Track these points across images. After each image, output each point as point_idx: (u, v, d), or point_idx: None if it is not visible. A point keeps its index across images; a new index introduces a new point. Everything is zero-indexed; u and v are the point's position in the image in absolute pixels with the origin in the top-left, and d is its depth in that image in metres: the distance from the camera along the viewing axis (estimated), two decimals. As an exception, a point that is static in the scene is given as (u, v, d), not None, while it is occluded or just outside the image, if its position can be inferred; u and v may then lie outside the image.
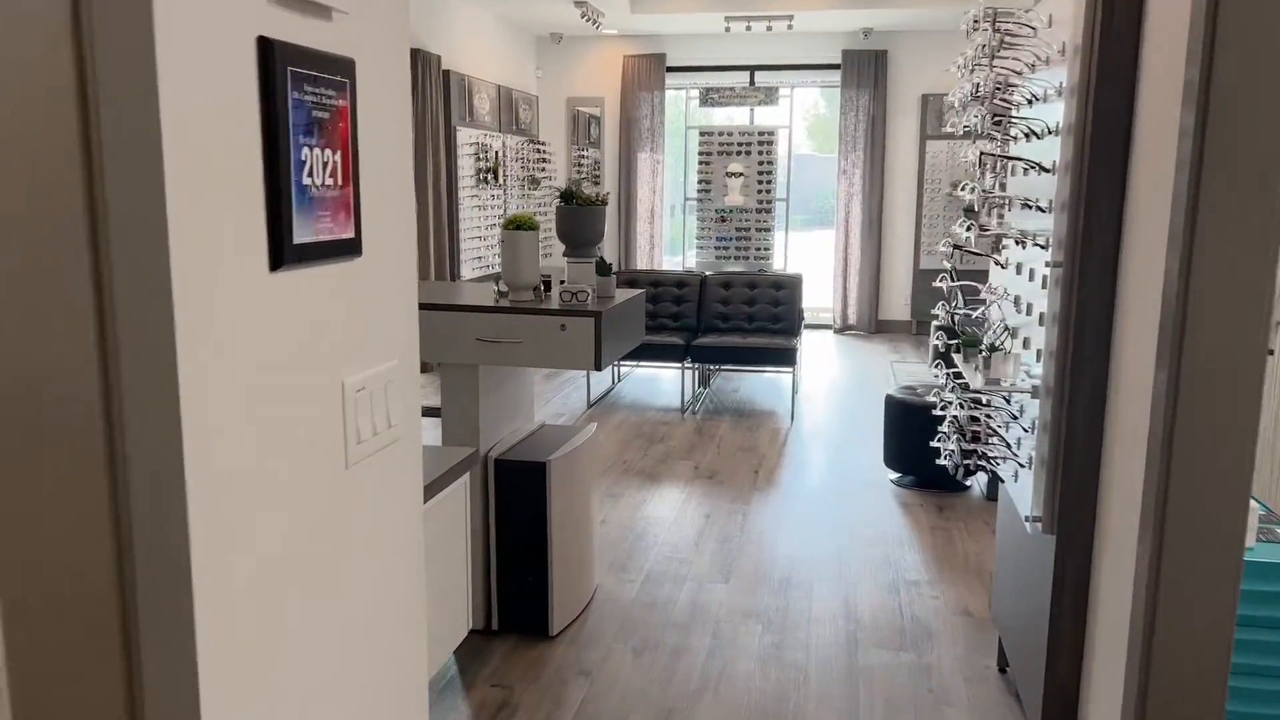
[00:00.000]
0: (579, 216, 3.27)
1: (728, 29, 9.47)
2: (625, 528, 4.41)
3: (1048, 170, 2.32)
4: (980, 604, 3.66)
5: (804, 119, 13.29)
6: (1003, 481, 2.63)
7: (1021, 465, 2.44)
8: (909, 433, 4.95)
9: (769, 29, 9.45)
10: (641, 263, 10.56)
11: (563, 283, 3.41)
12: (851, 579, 3.87)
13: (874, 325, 10.13)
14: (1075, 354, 2.23)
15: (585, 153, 10.75)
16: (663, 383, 7.53)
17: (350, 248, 1.34)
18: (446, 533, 1.87)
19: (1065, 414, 2.25)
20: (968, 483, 5.04)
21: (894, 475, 5.15)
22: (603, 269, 3.39)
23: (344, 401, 1.35)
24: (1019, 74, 2.60)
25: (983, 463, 2.57)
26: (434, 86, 7.80)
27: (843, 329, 10.21)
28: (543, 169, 10.08)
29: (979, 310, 2.80)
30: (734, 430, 6.18)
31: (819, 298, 10.23)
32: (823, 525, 4.46)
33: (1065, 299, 2.25)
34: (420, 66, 7.57)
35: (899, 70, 9.85)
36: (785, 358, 6.45)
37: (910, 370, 8.04)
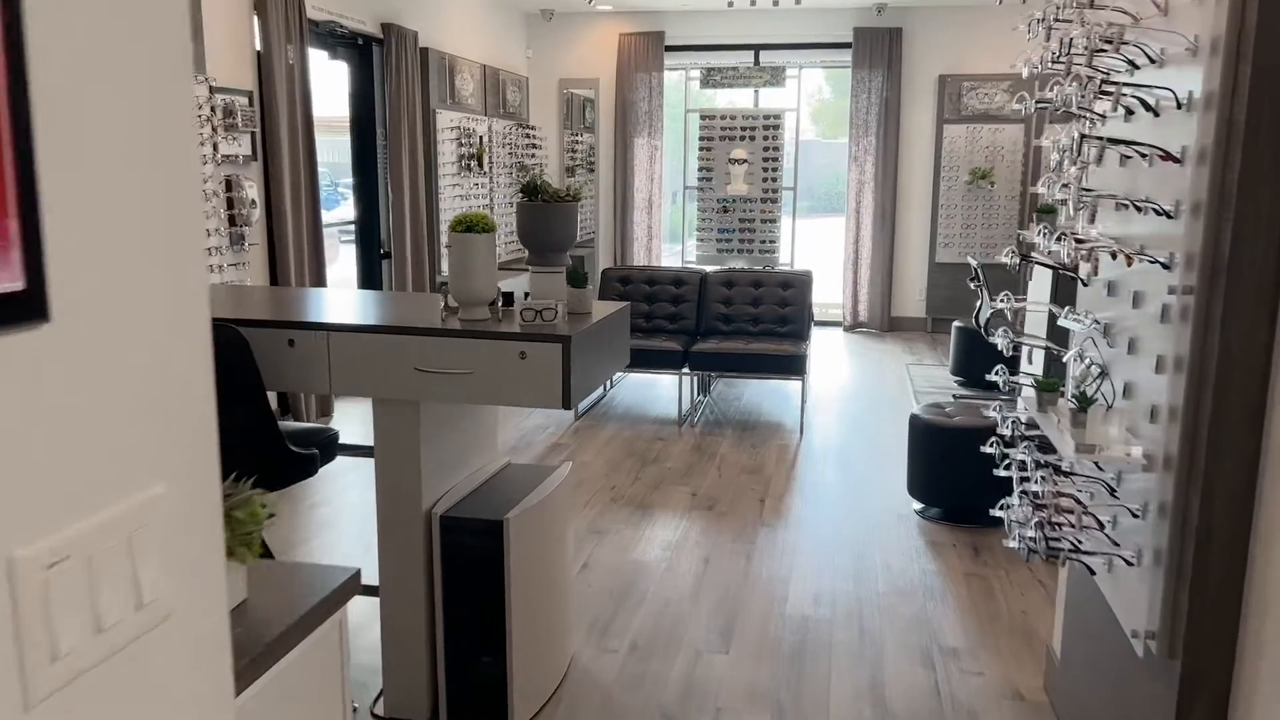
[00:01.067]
0: (545, 216, 2.64)
1: (730, 4, 8.80)
2: (611, 574, 3.78)
3: (1175, 159, 1.68)
4: (1033, 682, 3.03)
5: (807, 104, 12.62)
6: (1094, 573, 2.00)
7: (1128, 561, 1.81)
8: (936, 459, 4.32)
9: (775, 4, 8.77)
10: (639, 253, 9.91)
11: (526, 295, 2.78)
12: (876, 646, 3.25)
13: (887, 323, 9.49)
14: (1215, 416, 1.59)
15: (580, 138, 10.09)
16: (659, 388, 6.90)
17: (14, 310, 0.71)
18: (302, 710, 1.26)
19: (1199, 499, 1.62)
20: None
21: (918, 505, 4.53)
22: (577, 279, 2.76)
23: (13, 592, 0.73)
24: (1108, 25, 1.95)
25: (1073, 555, 1.94)
26: (411, 65, 7.15)
27: (853, 326, 9.57)
28: (533, 155, 9.43)
29: (1064, 346, 2.16)
30: (737, 446, 5.55)
31: (827, 292, 9.57)
32: (840, 572, 3.83)
33: (1199, 339, 1.62)
34: (394, 43, 6.91)
35: (915, 49, 9.17)
36: (793, 366, 5.81)
37: (928, 375, 7.41)
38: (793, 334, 6.24)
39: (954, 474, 4.28)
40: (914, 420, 4.44)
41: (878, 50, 9.13)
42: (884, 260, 9.39)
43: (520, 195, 2.66)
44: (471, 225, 2.58)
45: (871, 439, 5.73)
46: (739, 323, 6.38)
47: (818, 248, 11.78)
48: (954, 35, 9.07)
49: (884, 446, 5.54)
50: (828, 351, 8.46)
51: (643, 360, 5.97)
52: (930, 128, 9.22)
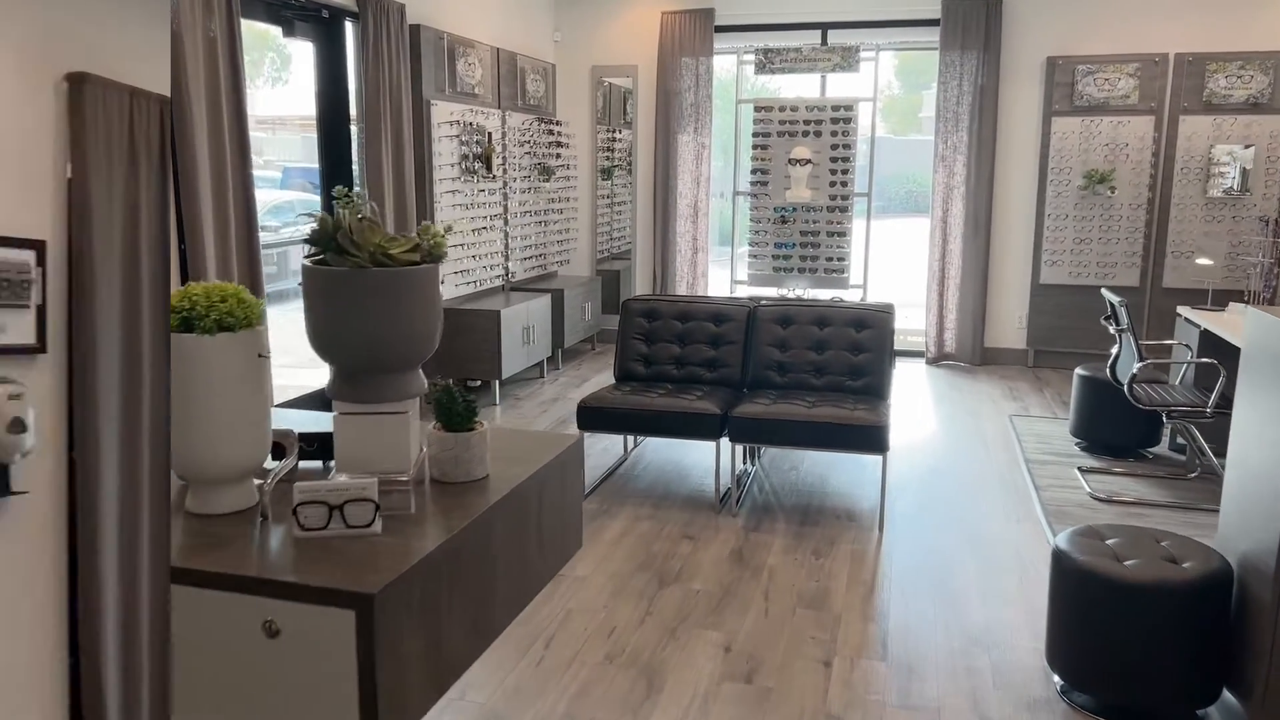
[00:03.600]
0: (357, 297, 1.22)
1: (793, -27, 7.31)
2: (579, 831, 2.37)
3: None
4: None
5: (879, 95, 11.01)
6: None
7: None
8: (1094, 622, 2.81)
9: (847, -28, 7.26)
10: (682, 269, 8.44)
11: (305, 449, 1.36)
12: None
13: (979, 355, 7.90)
14: None
15: (618, 135, 8.68)
16: (694, 450, 5.46)
17: None
18: None
19: None
20: (1200, 714, 2.88)
21: (1060, 681, 3.03)
22: (452, 414, 1.35)
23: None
24: None
25: None
26: (396, 45, 5.81)
27: (938, 359, 8.00)
28: (558, 155, 8.05)
29: None
30: (793, 552, 4.09)
31: (905, 316, 8.01)
32: (953, 836, 2.36)
33: None
34: (373, 17, 5.58)
35: (1017, 26, 7.57)
36: (870, 440, 4.31)
37: (1039, 433, 5.83)
38: (870, 391, 4.74)
39: (1125, 647, 2.77)
40: (1061, 560, 2.93)
41: (972, 28, 7.54)
42: (977, 280, 7.80)
43: (309, 251, 1.25)
44: (191, 318, 1.17)
45: (976, 545, 4.22)
46: (797, 373, 4.90)
47: (890, 257, 10.22)
48: (1067, 8, 7.46)
49: (995, 562, 4.03)
50: (909, 394, 6.92)
51: (668, 426, 4.55)
52: (1035, 121, 7.61)
